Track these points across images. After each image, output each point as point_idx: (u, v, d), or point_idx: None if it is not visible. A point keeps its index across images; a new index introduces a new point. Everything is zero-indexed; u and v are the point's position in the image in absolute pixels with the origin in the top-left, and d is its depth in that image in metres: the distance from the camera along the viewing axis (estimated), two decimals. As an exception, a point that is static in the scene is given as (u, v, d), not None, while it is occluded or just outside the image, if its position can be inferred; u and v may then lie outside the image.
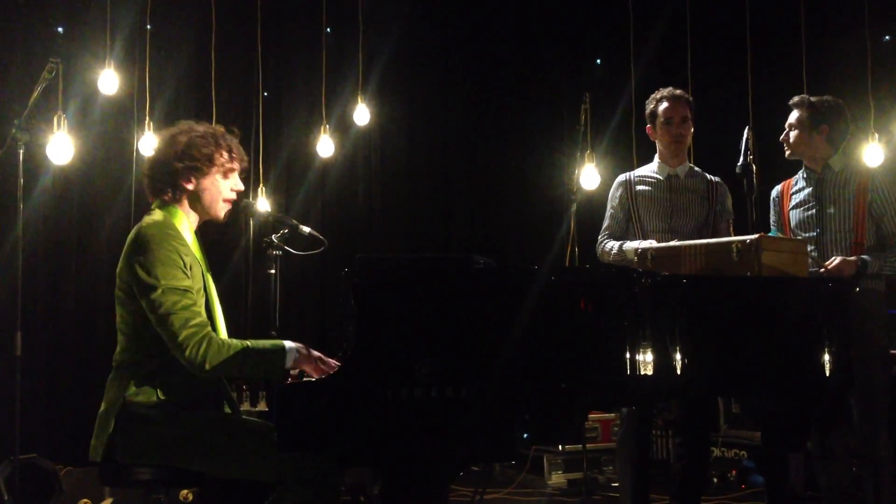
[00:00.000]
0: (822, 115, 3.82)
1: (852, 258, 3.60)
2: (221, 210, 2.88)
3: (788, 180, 4.00)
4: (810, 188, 3.85)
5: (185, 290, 2.63)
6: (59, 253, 5.59)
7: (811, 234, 3.79)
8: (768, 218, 4.03)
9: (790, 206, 3.92)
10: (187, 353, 2.55)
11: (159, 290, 2.60)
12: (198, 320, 2.60)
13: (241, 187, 2.93)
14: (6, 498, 4.12)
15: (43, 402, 5.31)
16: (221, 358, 2.55)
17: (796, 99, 3.90)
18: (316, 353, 2.66)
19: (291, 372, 2.70)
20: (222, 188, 2.85)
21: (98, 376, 2.85)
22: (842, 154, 3.86)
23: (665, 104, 4.00)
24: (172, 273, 2.62)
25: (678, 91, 4.02)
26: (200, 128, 2.85)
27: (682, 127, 3.98)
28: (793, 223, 3.88)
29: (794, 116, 3.87)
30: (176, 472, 2.71)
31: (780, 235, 3.81)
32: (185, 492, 4.96)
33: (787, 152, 3.92)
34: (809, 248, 3.73)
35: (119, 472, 2.72)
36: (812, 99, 3.88)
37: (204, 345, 2.56)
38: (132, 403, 2.65)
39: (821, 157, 3.84)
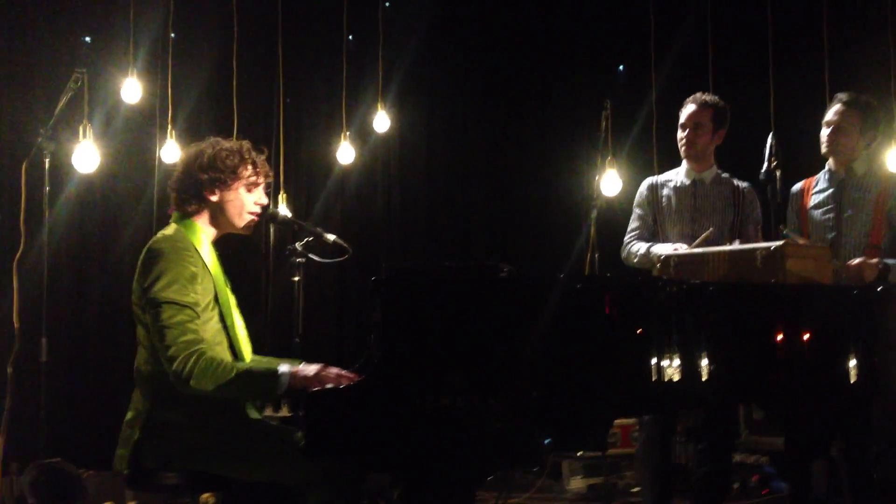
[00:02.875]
0: (873, 122, 3.76)
1: (874, 260, 3.57)
2: (245, 222, 2.90)
3: (810, 179, 3.95)
4: (832, 190, 3.82)
5: (185, 306, 2.64)
6: (83, 260, 5.64)
7: (829, 236, 3.76)
8: (787, 214, 3.98)
9: (810, 206, 3.88)
10: (174, 366, 2.57)
11: (159, 303, 2.63)
12: (190, 336, 2.61)
13: (266, 201, 2.95)
14: (31, 502, 4.16)
15: (67, 406, 5.35)
16: (208, 376, 2.56)
17: (847, 98, 3.77)
18: (313, 368, 2.62)
19: None
20: (246, 201, 2.87)
21: (121, 381, 2.89)
22: (865, 157, 3.82)
23: (683, 109, 4.00)
24: (174, 287, 2.65)
25: (701, 96, 4.00)
26: (227, 143, 2.88)
27: (692, 133, 3.95)
28: (811, 224, 3.85)
29: (842, 118, 3.75)
30: (201, 476, 2.73)
31: (795, 236, 3.75)
32: (206, 495, 5.00)
33: (826, 151, 3.83)
34: None
35: (145, 478, 2.74)
36: (865, 101, 3.79)
37: (192, 361, 2.57)
38: (157, 411, 2.68)
39: (851, 159, 3.79)
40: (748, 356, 2.80)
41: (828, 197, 3.83)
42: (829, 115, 3.81)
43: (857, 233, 3.72)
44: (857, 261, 3.56)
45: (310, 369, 2.63)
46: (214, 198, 2.83)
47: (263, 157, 2.94)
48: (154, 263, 2.68)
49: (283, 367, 2.62)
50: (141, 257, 2.76)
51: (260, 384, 2.63)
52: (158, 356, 2.69)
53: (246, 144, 2.91)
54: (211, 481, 2.78)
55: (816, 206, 3.86)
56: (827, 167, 3.89)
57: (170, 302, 2.62)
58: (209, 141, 2.91)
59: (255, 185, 2.89)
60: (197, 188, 2.82)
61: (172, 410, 2.67)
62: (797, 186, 3.99)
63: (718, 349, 2.67)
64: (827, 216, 3.80)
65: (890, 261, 3.60)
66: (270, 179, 2.98)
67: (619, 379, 2.52)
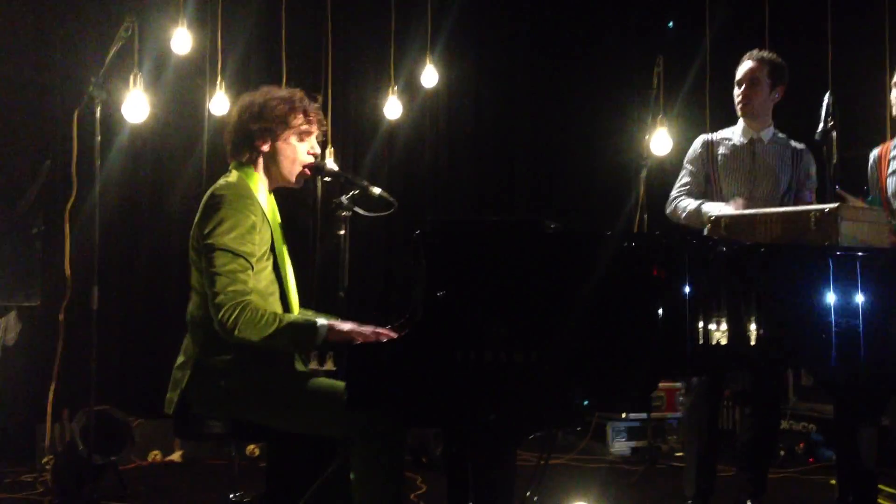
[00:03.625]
0: None
1: None
2: (296, 174, 2.89)
3: (887, 143, 3.81)
4: None
5: (239, 255, 2.65)
6: (135, 209, 5.70)
7: None
8: (857, 180, 3.87)
9: (888, 173, 3.75)
10: (220, 315, 2.58)
11: (214, 249, 2.64)
12: (238, 286, 2.62)
13: (318, 151, 2.94)
14: (81, 447, 4.25)
15: (117, 355, 5.45)
16: (252, 327, 2.57)
17: None
18: (347, 325, 2.63)
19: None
20: (298, 150, 2.86)
21: (171, 331, 2.91)
22: None
23: (739, 66, 3.90)
24: (232, 235, 2.65)
25: (758, 52, 3.90)
26: (279, 92, 2.87)
27: (748, 89, 3.86)
28: (889, 191, 3.73)
29: None
30: (246, 426, 2.76)
31: (863, 204, 3.65)
32: (251, 447, 5.08)
33: None
34: None
35: (192, 424, 2.78)
36: None
37: (238, 311, 2.58)
38: (207, 358, 2.71)
39: None
40: (798, 319, 2.74)
41: None
42: None
43: None
44: None
45: (344, 325, 2.64)
46: (266, 147, 2.83)
47: (317, 106, 2.92)
48: (216, 210, 2.68)
49: (322, 321, 2.64)
50: (203, 202, 2.76)
51: (299, 336, 2.63)
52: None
53: (298, 93, 2.89)
54: (255, 431, 2.80)
55: (894, 173, 3.73)
56: None
57: (225, 249, 2.64)
58: (261, 90, 2.89)
59: (308, 133, 2.87)
60: (249, 138, 2.82)
61: (221, 357, 2.69)
62: (874, 153, 3.85)
63: (768, 312, 2.62)
64: None
65: None
66: (324, 128, 2.95)
67: (664, 339, 2.48)
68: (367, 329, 2.64)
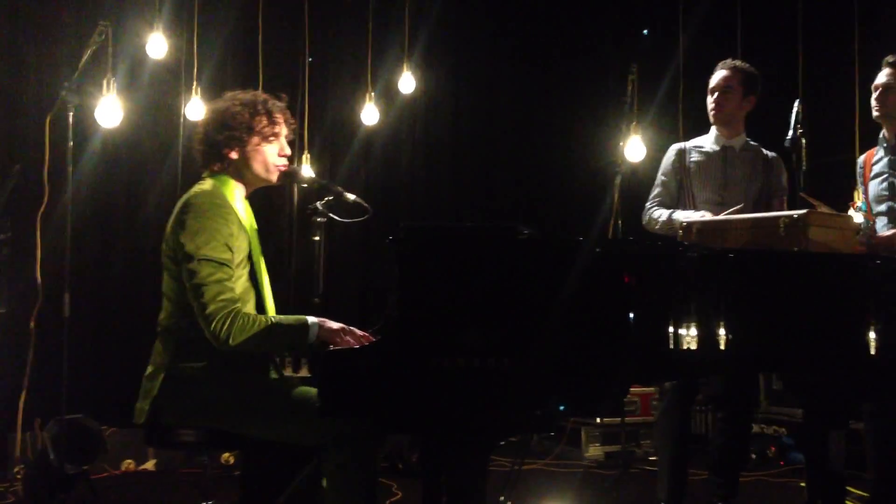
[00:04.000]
0: None
1: None
2: (273, 174, 2.89)
3: (872, 149, 3.85)
4: (887, 158, 3.72)
5: (222, 263, 2.64)
6: (108, 215, 5.67)
7: (883, 206, 3.68)
8: (829, 186, 3.91)
9: (871, 176, 3.79)
10: (212, 326, 2.57)
11: (196, 260, 2.62)
12: (228, 295, 2.61)
13: (288, 151, 2.92)
14: (52, 457, 4.21)
15: (90, 363, 5.40)
16: (245, 334, 2.57)
17: (894, 58, 3.68)
18: (337, 324, 2.65)
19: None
20: (268, 154, 2.85)
21: (145, 339, 2.90)
22: None
23: (713, 75, 3.95)
24: (213, 244, 2.64)
25: (731, 61, 3.95)
26: (242, 96, 2.85)
27: (721, 97, 3.90)
28: (870, 195, 3.77)
29: (891, 78, 3.65)
30: (219, 434, 2.74)
31: (830, 210, 3.68)
32: (226, 455, 5.06)
33: (877, 115, 3.72)
34: (882, 222, 3.64)
35: (163, 433, 2.76)
36: None
37: (229, 320, 2.57)
38: (178, 367, 2.69)
39: None
40: (768, 324, 2.77)
41: (883, 166, 3.72)
42: (878, 78, 3.72)
43: None
44: (889, 233, 3.49)
45: (335, 324, 2.64)
46: (235, 155, 2.82)
47: (282, 105, 2.90)
48: (192, 218, 2.67)
49: (312, 318, 2.63)
50: (177, 209, 2.75)
51: (291, 335, 2.62)
52: (182, 310, 2.70)
53: (261, 96, 2.87)
54: (228, 439, 2.79)
55: (875, 176, 3.76)
56: (881, 135, 3.78)
57: (208, 259, 2.62)
58: (224, 97, 2.88)
59: (276, 135, 2.86)
60: (216, 148, 2.81)
61: (193, 365, 2.68)
62: (861, 159, 3.90)
63: (738, 317, 2.64)
64: (881, 186, 3.71)
65: None
66: (292, 127, 2.94)
67: (636, 345, 2.50)
68: (357, 332, 2.65)
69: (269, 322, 2.62)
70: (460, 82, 6.97)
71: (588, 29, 7.15)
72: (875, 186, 3.74)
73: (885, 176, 3.70)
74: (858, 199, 3.64)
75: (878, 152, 3.78)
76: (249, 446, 2.91)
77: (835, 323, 2.91)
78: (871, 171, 3.79)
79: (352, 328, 2.67)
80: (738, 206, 3.63)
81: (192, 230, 2.65)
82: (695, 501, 3.95)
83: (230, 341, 2.56)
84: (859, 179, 3.88)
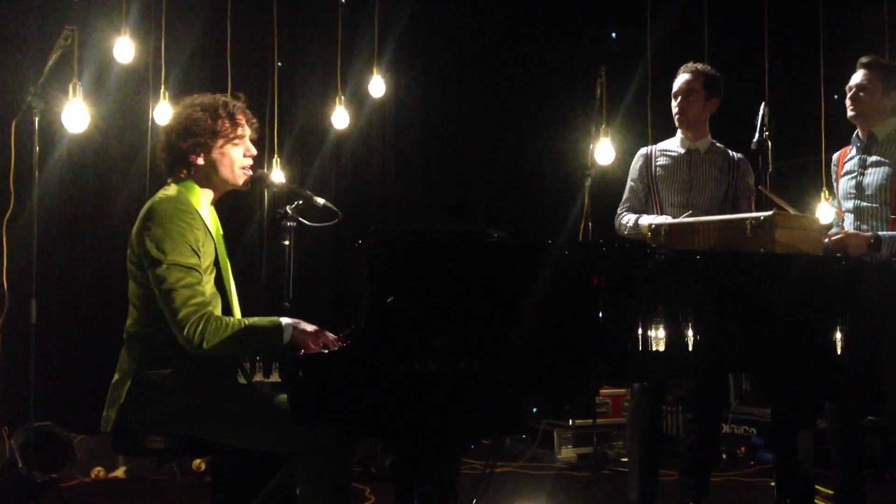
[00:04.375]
0: (894, 83, 3.69)
1: (866, 234, 3.53)
2: (240, 178, 2.87)
3: (846, 147, 3.89)
4: (858, 156, 3.75)
5: (191, 268, 2.63)
6: (75, 221, 5.61)
7: (850, 204, 3.72)
8: (795, 188, 3.95)
9: (842, 173, 3.83)
10: (185, 331, 2.56)
11: (165, 266, 2.60)
12: (199, 299, 2.60)
13: (254, 152, 2.90)
14: (20, 465, 4.17)
15: (58, 370, 5.35)
16: (219, 337, 2.56)
17: (868, 60, 3.72)
18: (311, 326, 2.64)
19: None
20: (234, 157, 2.83)
21: (113, 345, 2.87)
22: (890, 124, 3.72)
23: (676, 79, 3.98)
24: (180, 249, 2.63)
25: (693, 64, 3.98)
26: (202, 100, 2.83)
27: (684, 100, 3.94)
28: (840, 192, 3.81)
29: (865, 79, 3.69)
30: (188, 441, 2.73)
31: (796, 211, 3.71)
32: (197, 461, 5.02)
33: (851, 114, 3.75)
34: (850, 219, 3.68)
35: (131, 441, 2.74)
36: (886, 63, 3.76)
37: (202, 324, 2.56)
38: (145, 373, 2.67)
39: (873, 123, 3.71)
40: (735, 325, 2.80)
41: (854, 164, 3.75)
42: (852, 79, 3.76)
43: (877, 200, 3.63)
44: (841, 234, 3.52)
45: (309, 326, 2.63)
46: (201, 161, 2.80)
47: (242, 106, 2.88)
48: (157, 225, 2.65)
49: (286, 320, 2.62)
50: (141, 215, 2.72)
51: (265, 337, 2.61)
52: (148, 316, 2.68)
53: (220, 98, 2.85)
54: (197, 446, 2.77)
55: (845, 174, 3.80)
56: (855, 133, 3.82)
57: (177, 265, 2.61)
58: (183, 103, 2.86)
59: (239, 137, 2.84)
60: (182, 156, 2.79)
61: (160, 372, 2.66)
62: (834, 157, 3.94)
63: (705, 318, 2.67)
64: (850, 183, 3.74)
65: (885, 234, 3.52)
66: (255, 127, 2.92)
67: (606, 347, 2.52)
68: (331, 335, 2.64)
69: (243, 324, 2.61)
70: (430, 86, 6.97)
71: (557, 32, 7.19)
72: (844, 184, 3.79)
73: (854, 174, 3.75)
74: (831, 196, 3.68)
75: (851, 150, 3.83)
76: (221, 453, 2.89)
77: (801, 323, 2.94)
78: (843, 168, 3.84)
79: (325, 332, 2.66)
80: (688, 213, 3.66)
81: (158, 236, 2.63)
82: (666, 502, 3.97)
83: (204, 345, 2.55)
84: (833, 176, 3.93)
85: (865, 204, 3.67)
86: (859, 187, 3.70)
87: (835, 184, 3.90)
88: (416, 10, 6.64)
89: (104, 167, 5.70)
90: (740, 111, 4.22)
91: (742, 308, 2.82)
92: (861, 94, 3.70)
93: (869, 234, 3.52)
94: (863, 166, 3.72)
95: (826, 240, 3.52)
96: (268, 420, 2.61)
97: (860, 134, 3.78)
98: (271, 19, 6.01)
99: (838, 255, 3.41)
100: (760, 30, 6.00)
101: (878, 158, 3.68)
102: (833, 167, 3.94)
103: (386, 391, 2.34)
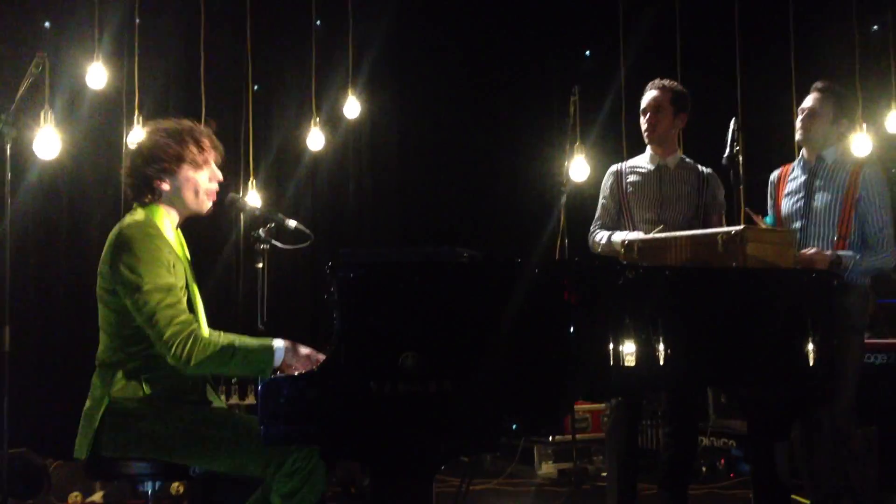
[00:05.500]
0: (845, 110, 3.76)
1: (828, 252, 3.58)
2: (204, 203, 2.87)
3: (787, 165, 3.94)
4: (803, 178, 3.80)
5: (170, 289, 2.63)
6: (48, 248, 5.59)
7: (797, 224, 3.77)
8: (764, 204, 4.00)
9: (784, 193, 3.88)
10: (172, 350, 2.55)
11: (144, 289, 2.59)
12: (183, 318, 2.60)
13: (220, 177, 2.89)
14: (-4, 492, 4.13)
15: (32, 396, 5.30)
16: (206, 355, 2.56)
17: (822, 85, 3.77)
18: (305, 349, 2.65)
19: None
20: (199, 181, 2.82)
21: (87, 371, 2.85)
22: (837, 148, 3.79)
23: (644, 95, 4.02)
24: (156, 271, 2.62)
25: (660, 81, 4.02)
26: (167, 125, 2.82)
27: (653, 117, 3.97)
28: (783, 212, 3.86)
29: (817, 103, 3.74)
30: (163, 465, 2.71)
31: (768, 226, 3.77)
32: (176, 484, 4.98)
33: (800, 137, 3.81)
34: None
35: (105, 466, 2.72)
36: (839, 90, 3.81)
37: (189, 342, 2.56)
38: (117, 399, 2.66)
39: (822, 147, 3.77)
40: (707, 340, 2.82)
41: (799, 185, 3.81)
42: (805, 101, 3.82)
43: (825, 222, 3.69)
44: (811, 251, 3.57)
45: (303, 349, 2.63)
46: (166, 186, 2.80)
47: (209, 131, 2.88)
48: (127, 249, 2.64)
49: (278, 343, 2.62)
50: (110, 241, 2.72)
51: (256, 359, 2.60)
52: (119, 343, 2.67)
53: (186, 124, 2.85)
54: (172, 469, 2.75)
55: (789, 194, 3.85)
56: (801, 155, 3.88)
57: (156, 287, 2.60)
58: (148, 129, 2.87)
59: (204, 162, 2.83)
60: (147, 181, 2.78)
61: (131, 398, 2.65)
62: (774, 174, 3.98)
63: (677, 333, 2.69)
64: (797, 205, 3.80)
65: (844, 252, 3.58)
66: (220, 153, 2.90)
67: (579, 363, 2.53)
68: (322, 357, 2.63)
69: (231, 345, 2.61)
70: (405, 106, 7.00)
71: (531, 51, 7.24)
72: (789, 204, 3.83)
73: (799, 195, 3.79)
74: (759, 216, 3.71)
75: (795, 170, 3.87)
76: (198, 477, 2.87)
77: (773, 337, 2.97)
78: (784, 187, 3.88)
79: (318, 354, 2.66)
80: (659, 227, 3.69)
81: (132, 262, 2.63)
82: (645, 516, 3.99)
83: (192, 363, 2.55)
84: (771, 193, 3.97)
85: (812, 226, 3.72)
86: (807, 209, 3.75)
87: (772, 201, 3.93)
88: (391, 31, 6.68)
89: (77, 193, 5.69)
90: (713, 127, 4.27)
91: (714, 323, 2.84)
92: (811, 117, 3.76)
93: (829, 252, 3.57)
94: (808, 189, 3.76)
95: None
96: (240, 444, 2.60)
97: (806, 156, 3.83)
98: (245, 43, 6.03)
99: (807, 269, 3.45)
100: (733, 46, 6.07)
101: (825, 182, 3.73)
102: (772, 184, 3.97)
103: (357, 412, 2.34)
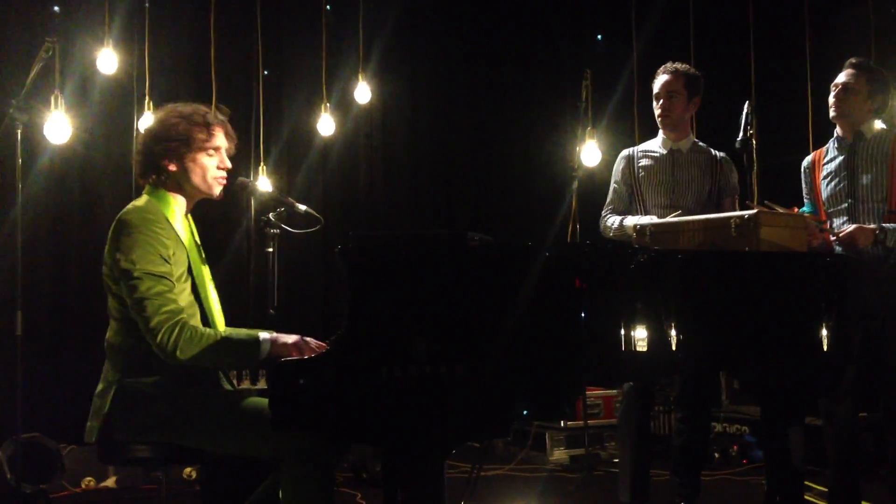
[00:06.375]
0: (880, 86, 3.71)
1: (871, 226, 3.53)
2: (213, 187, 2.86)
3: (819, 150, 3.89)
4: (842, 157, 3.75)
5: (161, 276, 2.62)
6: (61, 232, 5.59)
7: (843, 205, 3.71)
8: (778, 187, 3.95)
9: (822, 177, 3.83)
10: (158, 338, 2.55)
11: (135, 275, 2.60)
12: (171, 307, 2.59)
13: (229, 165, 2.88)
14: (9, 477, 4.15)
15: (45, 381, 5.32)
16: (193, 346, 2.55)
17: (857, 61, 3.73)
18: (293, 337, 2.61)
19: None
20: (207, 167, 2.82)
21: (100, 356, 2.86)
22: (873, 124, 3.74)
23: (656, 79, 3.98)
24: (149, 258, 2.62)
25: (672, 65, 3.98)
26: (182, 108, 2.83)
27: (667, 102, 3.94)
28: (824, 195, 3.80)
29: (852, 78, 3.70)
30: (174, 449, 2.72)
31: (804, 212, 3.70)
32: (188, 469, 5.00)
33: (834, 114, 3.76)
34: (841, 221, 3.68)
35: (117, 450, 2.73)
36: (873, 65, 3.77)
37: (175, 331, 2.55)
38: (129, 382, 2.66)
39: (858, 122, 3.72)
40: (720, 325, 2.79)
41: (839, 165, 3.75)
42: (838, 77, 3.76)
43: (873, 198, 3.64)
44: (850, 229, 3.53)
45: (290, 338, 2.61)
46: (173, 167, 2.79)
47: (223, 118, 2.88)
48: (125, 235, 2.65)
49: (264, 334, 2.60)
50: (112, 228, 2.72)
51: (241, 351, 2.60)
52: (128, 327, 2.67)
53: (201, 108, 2.85)
54: (183, 454, 2.76)
55: (828, 177, 3.79)
56: (834, 135, 3.82)
57: (147, 273, 2.60)
58: (165, 108, 2.86)
59: (214, 148, 2.83)
60: (154, 160, 2.79)
61: (143, 381, 2.66)
62: (807, 160, 3.93)
63: (689, 318, 2.66)
64: (840, 185, 3.73)
65: (889, 224, 3.53)
66: (234, 140, 2.90)
67: (590, 348, 2.51)
68: (313, 342, 2.62)
69: (219, 336, 2.60)
70: (416, 91, 6.97)
71: (542, 35, 7.20)
72: (831, 186, 3.77)
73: (843, 174, 3.73)
74: (795, 206, 3.67)
75: (830, 152, 3.82)
76: (209, 461, 2.88)
77: (787, 321, 2.94)
78: (821, 170, 3.83)
79: (307, 339, 2.65)
80: (677, 213, 3.66)
81: (127, 247, 2.63)
82: (658, 502, 3.97)
83: (178, 353, 2.54)
84: (806, 180, 3.92)
85: (861, 203, 3.67)
86: (852, 188, 3.69)
87: (812, 187, 3.87)
88: (401, 15, 6.64)
89: (88, 178, 5.69)
90: (727, 111, 4.23)
91: (727, 307, 2.81)
92: (846, 93, 3.71)
93: (874, 226, 3.53)
94: (850, 167, 3.71)
95: (833, 237, 3.54)
96: (251, 427, 2.60)
97: (841, 133, 3.78)
98: (255, 27, 6.00)
99: (838, 250, 3.41)
100: (746, 29, 6.01)
101: (868, 157, 3.68)
102: (806, 172, 3.92)
103: (368, 396, 2.33)
